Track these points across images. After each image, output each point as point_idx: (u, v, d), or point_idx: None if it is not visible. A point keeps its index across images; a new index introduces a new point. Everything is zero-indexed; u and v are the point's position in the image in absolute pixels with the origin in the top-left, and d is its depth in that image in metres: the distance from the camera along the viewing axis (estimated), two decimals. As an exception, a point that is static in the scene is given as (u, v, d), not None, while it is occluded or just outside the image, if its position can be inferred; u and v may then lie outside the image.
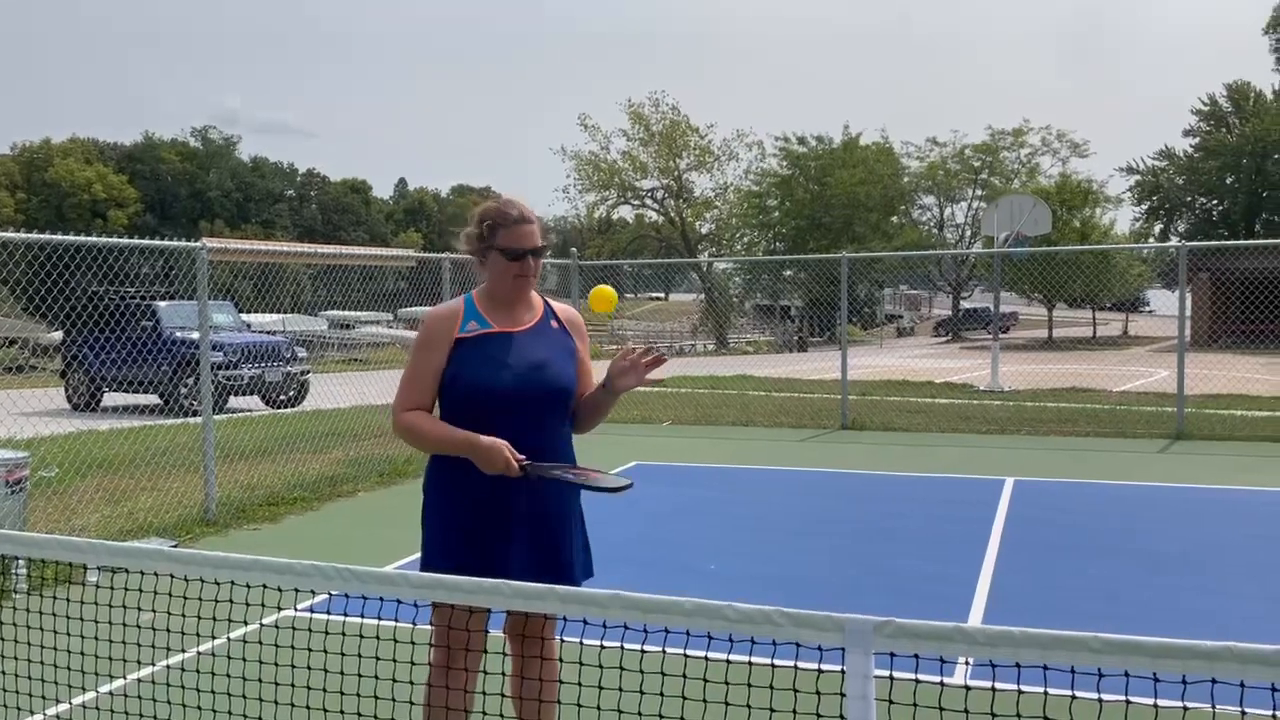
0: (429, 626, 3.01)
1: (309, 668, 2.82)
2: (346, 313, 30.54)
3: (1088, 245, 35.14)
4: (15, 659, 3.05)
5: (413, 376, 2.95)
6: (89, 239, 7.43)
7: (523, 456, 2.79)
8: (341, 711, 2.70)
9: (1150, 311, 48.36)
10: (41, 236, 6.88)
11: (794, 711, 2.10)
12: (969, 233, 47.95)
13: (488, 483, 2.87)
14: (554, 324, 3.05)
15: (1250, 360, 21.21)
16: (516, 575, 2.72)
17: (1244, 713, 1.75)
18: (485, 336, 2.94)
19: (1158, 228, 50.85)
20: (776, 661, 1.97)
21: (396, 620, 2.55)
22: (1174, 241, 44.11)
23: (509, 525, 2.91)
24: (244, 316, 18.73)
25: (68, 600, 3.20)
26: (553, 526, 2.98)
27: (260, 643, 2.98)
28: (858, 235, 45.04)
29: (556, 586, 2.03)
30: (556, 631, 3.10)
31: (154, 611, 2.86)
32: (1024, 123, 46.72)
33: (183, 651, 3.65)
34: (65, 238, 7.13)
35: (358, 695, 2.70)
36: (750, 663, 2.10)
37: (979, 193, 47.32)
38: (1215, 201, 49.76)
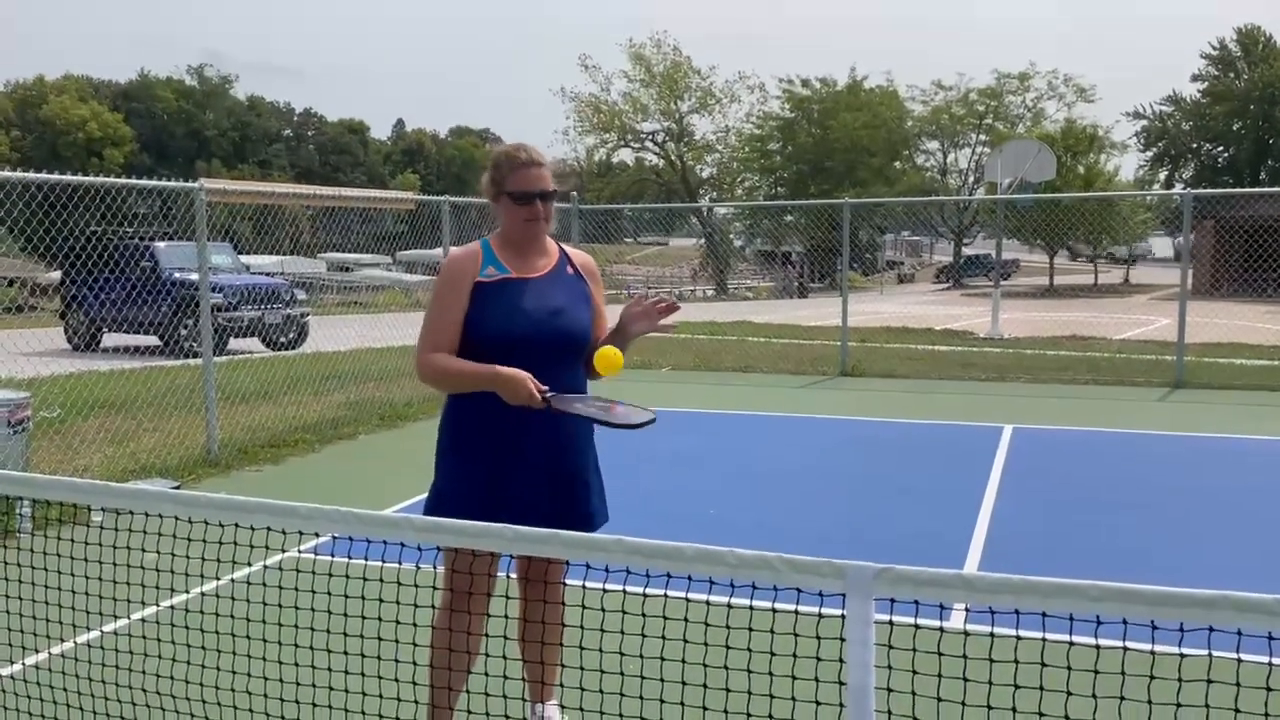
0: (432, 569, 3.03)
1: (312, 609, 2.84)
2: (345, 255, 30.45)
3: (1092, 192, 34.89)
4: (20, 598, 3.08)
5: (434, 322, 2.96)
6: (86, 179, 7.36)
7: (545, 387, 2.82)
8: (345, 652, 2.73)
9: (1153, 256, 48.14)
10: (39, 176, 6.83)
11: (794, 655, 2.13)
12: (972, 178, 47.63)
13: (507, 425, 2.89)
14: (569, 270, 3.07)
15: (1252, 309, 21.19)
16: (534, 520, 2.74)
17: (1240, 660, 1.76)
18: (503, 282, 2.95)
19: (1163, 174, 50.47)
20: (777, 606, 1.98)
21: (400, 563, 2.57)
22: (1179, 188, 43.80)
23: (527, 469, 2.94)
24: (243, 258, 18.66)
25: (72, 540, 3.22)
26: (570, 471, 3.00)
27: (264, 584, 3.01)
28: (860, 180, 44.72)
29: (560, 531, 2.03)
30: (564, 576, 3.13)
31: (158, 552, 2.89)
32: (1030, 66, 46.12)
33: (186, 592, 3.69)
34: (62, 177, 7.07)
35: (361, 636, 2.73)
36: (751, 607, 2.12)
37: (983, 138, 46.91)
38: (1222, 148, 49.33)
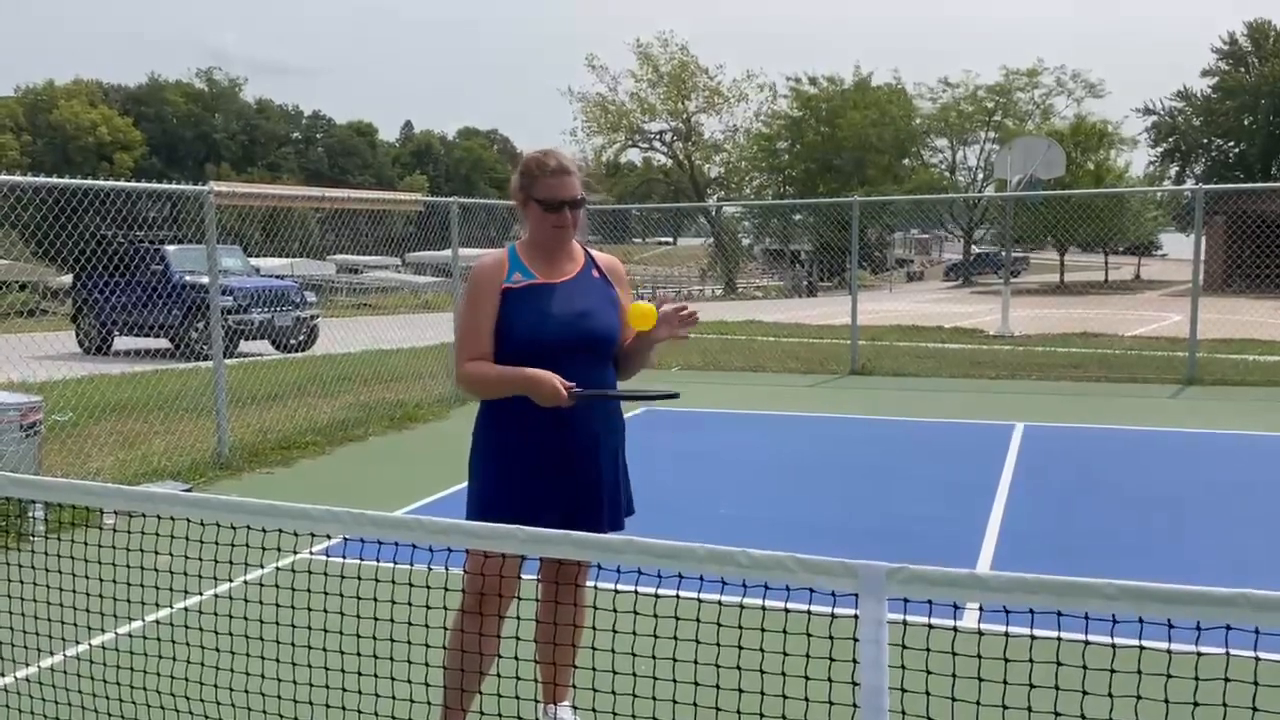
0: (444, 570, 3.03)
1: (325, 610, 2.85)
2: (354, 257, 30.51)
3: (1102, 189, 34.75)
4: (34, 601, 3.09)
5: (468, 331, 3.00)
6: (96, 182, 7.40)
7: (571, 384, 2.86)
8: (358, 654, 2.73)
9: (1163, 255, 47.99)
10: (49, 180, 6.85)
11: (807, 655, 2.12)
12: (981, 176, 47.51)
13: (540, 429, 2.92)
14: (595, 274, 3.08)
15: (1264, 304, 21.08)
16: (568, 521, 2.78)
17: (1258, 659, 1.75)
18: (530, 288, 2.97)
19: (1173, 170, 50.26)
20: (790, 606, 1.97)
21: (411, 564, 2.57)
22: (1189, 184, 43.61)
23: (561, 469, 2.95)
24: (252, 261, 18.70)
25: (85, 543, 3.23)
26: (602, 469, 3.01)
27: (276, 585, 3.01)
28: (869, 178, 44.65)
29: (571, 532, 2.03)
30: (585, 579, 3.15)
31: (170, 554, 2.89)
32: (1038, 62, 45.99)
33: (199, 594, 3.69)
34: (73, 181, 7.10)
35: (373, 638, 2.73)
36: (764, 607, 2.11)
37: (992, 135, 46.80)
38: (1232, 143, 49.09)
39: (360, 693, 2.79)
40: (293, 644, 2.80)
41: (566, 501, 2.95)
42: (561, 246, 3.03)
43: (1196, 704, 1.89)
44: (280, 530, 2.26)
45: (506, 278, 2.98)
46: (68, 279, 18.56)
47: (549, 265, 3.01)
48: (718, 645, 2.26)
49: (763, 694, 2.25)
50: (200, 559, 2.75)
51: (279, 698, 2.82)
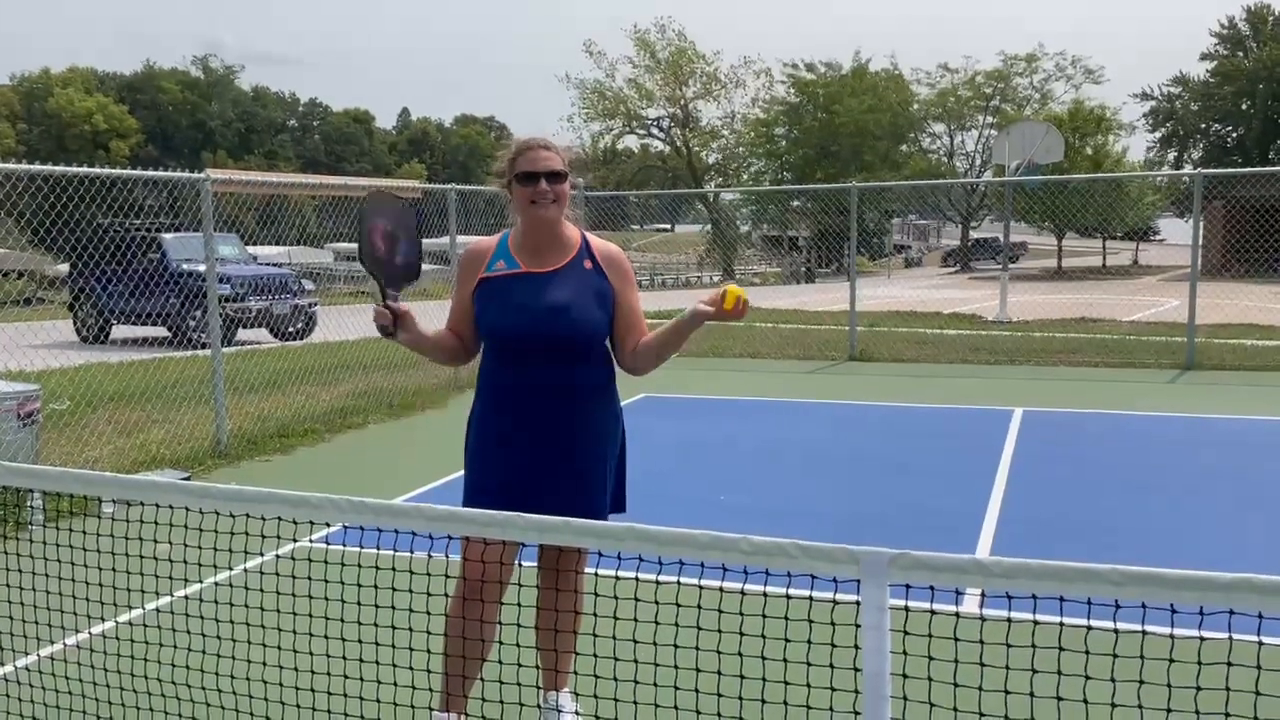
0: (445, 557, 3.02)
1: (325, 598, 2.84)
2: (352, 245, 30.41)
3: (1100, 174, 34.71)
4: (34, 590, 3.09)
5: (452, 305, 3.09)
6: (93, 170, 7.36)
7: (388, 305, 2.86)
8: (359, 640, 2.73)
9: (1161, 240, 48.00)
10: (45, 168, 6.82)
11: (809, 642, 2.12)
12: (979, 161, 47.45)
13: (505, 414, 2.90)
14: (587, 264, 2.96)
15: (1262, 289, 21.08)
16: (547, 509, 2.75)
17: (1261, 643, 1.75)
18: (507, 277, 2.93)
19: (1171, 155, 50.20)
20: (791, 592, 1.97)
21: (411, 551, 2.57)
22: (1188, 169, 43.57)
23: (537, 463, 2.91)
24: (250, 249, 18.66)
25: (84, 532, 3.22)
26: (579, 462, 2.96)
27: (276, 573, 3.00)
28: (867, 164, 44.55)
29: (572, 519, 2.02)
30: (581, 566, 3.13)
31: (170, 543, 2.89)
32: (1038, 48, 45.90)
33: (199, 582, 3.69)
34: (69, 169, 7.06)
35: (374, 625, 2.72)
36: (765, 594, 2.11)
37: (990, 120, 46.70)
38: (1230, 128, 49.02)
39: (361, 679, 2.79)
40: (293, 631, 2.80)
41: (541, 494, 2.85)
42: (546, 230, 2.93)
43: (1199, 688, 1.89)
44: (279, 518, 2.25)
45: (489, 266, 2.95)
46: (64, 267, 18.52)
47: (536, 255, 2.94)
48: (719, 632, 2.26)
49: (764, 680, 2.25)
50: (200, 547, 2.74)
51: (280, 685, 2.82)
